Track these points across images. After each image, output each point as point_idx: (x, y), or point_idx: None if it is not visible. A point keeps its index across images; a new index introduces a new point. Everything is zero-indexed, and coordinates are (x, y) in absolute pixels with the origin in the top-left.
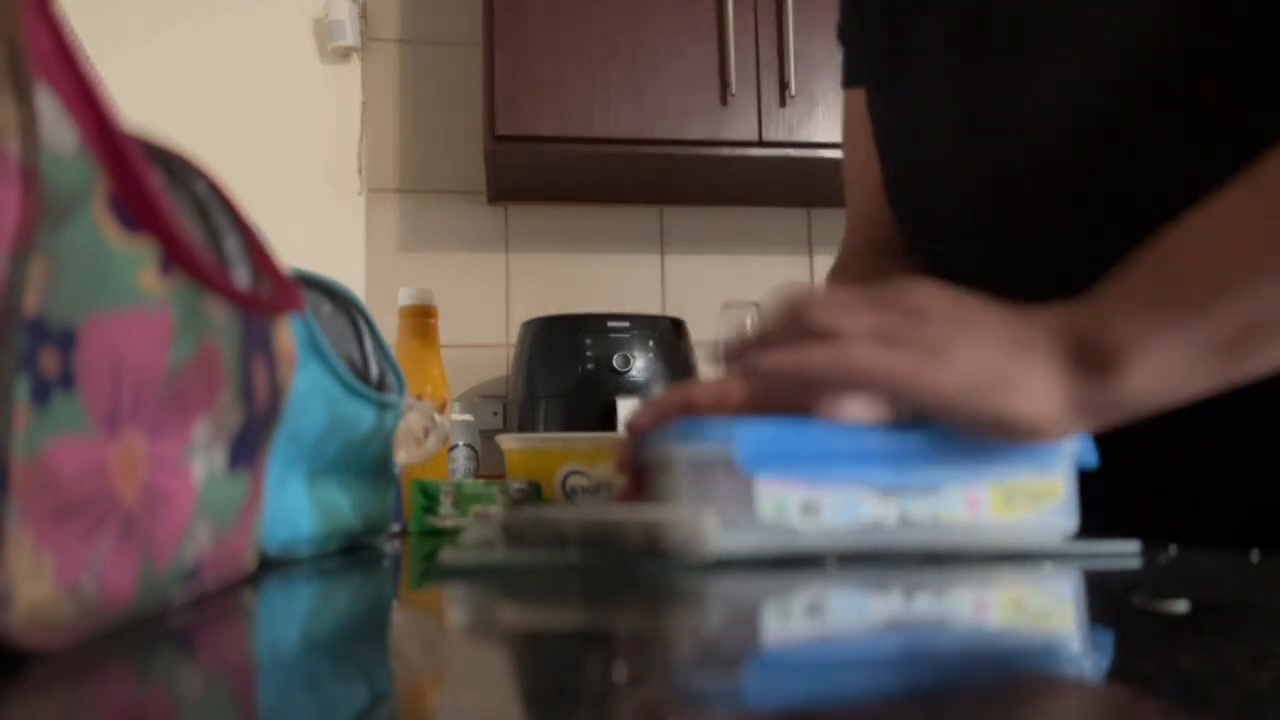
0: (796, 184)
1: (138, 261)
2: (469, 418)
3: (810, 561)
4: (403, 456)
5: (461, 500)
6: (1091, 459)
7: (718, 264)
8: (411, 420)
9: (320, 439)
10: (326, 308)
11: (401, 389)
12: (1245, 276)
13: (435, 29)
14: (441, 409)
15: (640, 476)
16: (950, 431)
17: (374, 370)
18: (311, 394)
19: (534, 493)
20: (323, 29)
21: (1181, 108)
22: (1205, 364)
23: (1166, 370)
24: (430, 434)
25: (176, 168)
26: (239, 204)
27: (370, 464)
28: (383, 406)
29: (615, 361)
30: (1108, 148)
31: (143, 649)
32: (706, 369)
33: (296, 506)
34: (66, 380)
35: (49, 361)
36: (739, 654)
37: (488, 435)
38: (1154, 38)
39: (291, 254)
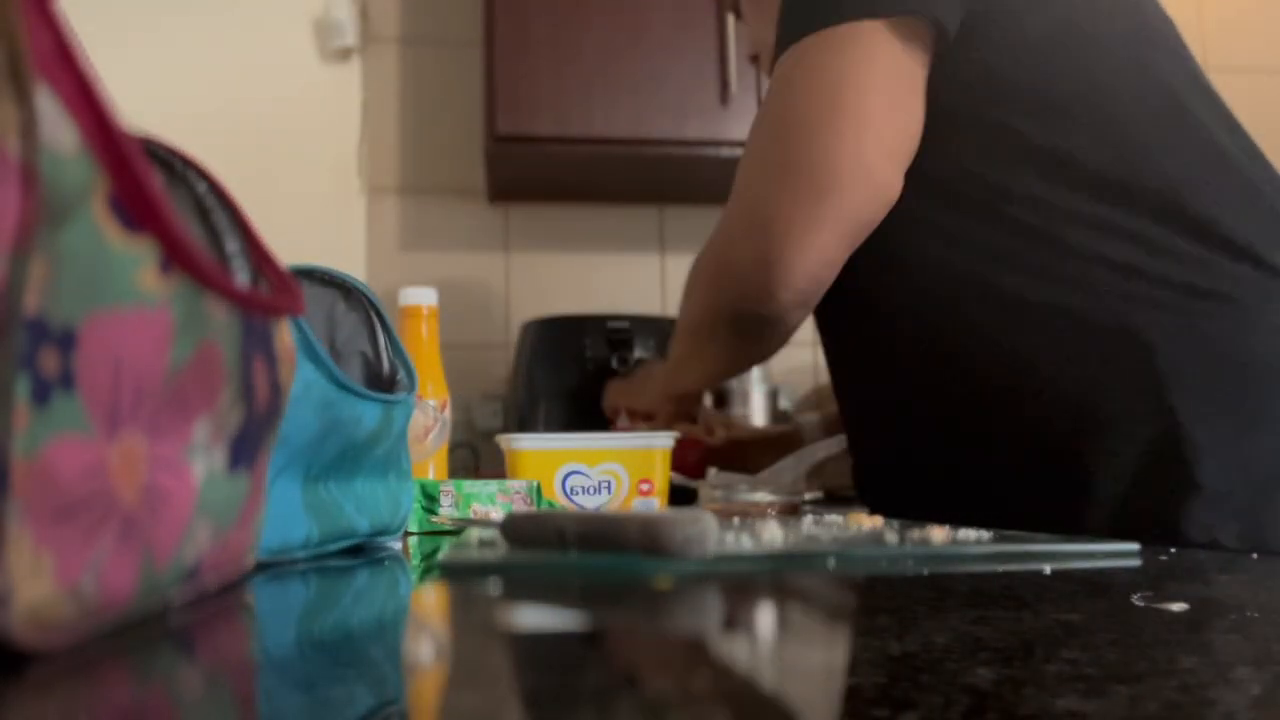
0: None
1: (138, 261)
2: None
3: (810, 561)
4: None
5: (461, 500)
6: None
7: None
8: (413, 420)
9: (315, 442)
10: (340, 304)
11: (413, 385)
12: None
13: (435, 29)
14: (442, 409)
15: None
16: None
17: (386, 367)
18: (302, 398)
19: (534, 493)
20: (323, 29)
21: None
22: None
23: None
24: (431, 434)
25: (177, 168)
26: (239, 204)
27: (378, 463)
28: (388, 404)
29: (615, 362)
30: None
31: (143, 649)
32: None
33: (288, 512)
34: (66, 380)
35: (49, 361)
36: (737, 654)
37: (488, 435)
38: None
39: (292, 253)
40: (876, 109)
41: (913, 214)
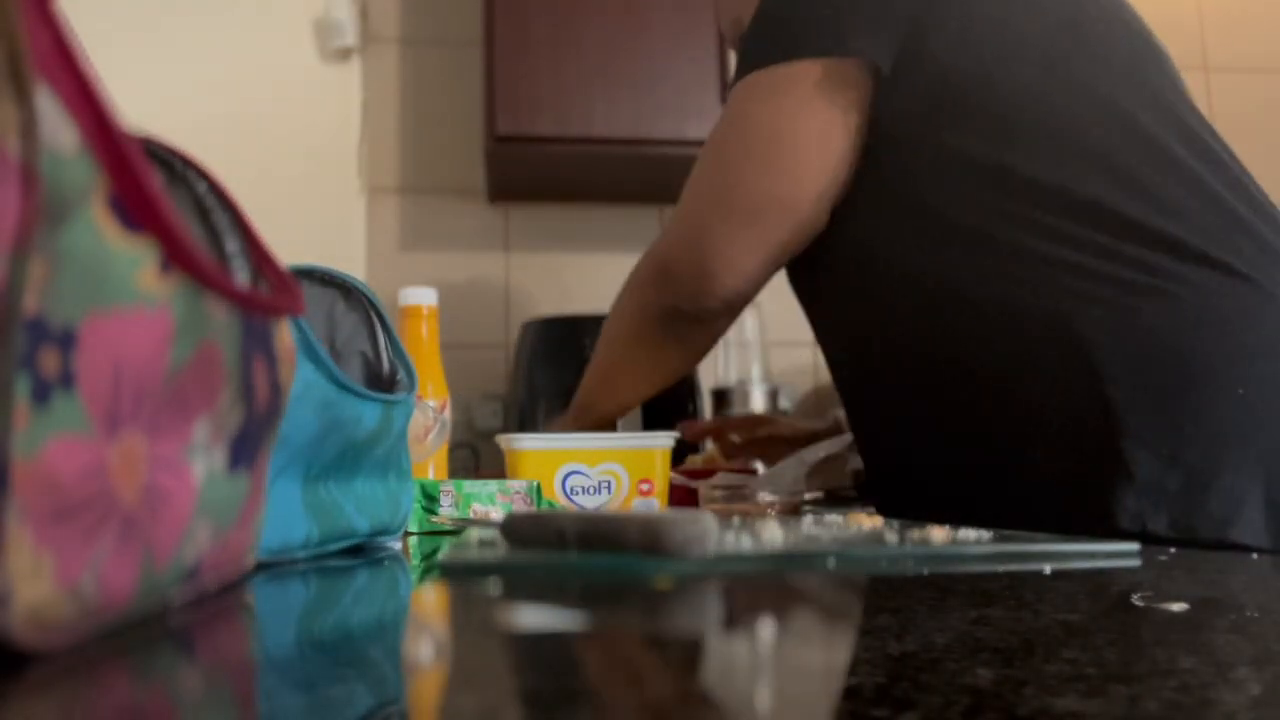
0: None
1: (138, 261)
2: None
3: (810, 561)
4: None
5: (461, 500)
6: None
7: None
8: (413, 420)
9: (314, 442)
10: (340, 304)
11: (412, 385)
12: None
13: (435, 29)
14: (441, 409)
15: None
16: None
17: (386, 367)
18: (302, 398)
19: (534, 493)
20: (323, 29)
21: None
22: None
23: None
24: (431, 434)
25: (177, 168)
26: (239, 204)
27: (378, 463)
28: (388, 404)
29: None
30: None
31: (143, 649)
32: (703, 370)
33: (288, 512)
34: (66, 380)
35: (49, 361)
36: (737, 654)
37: (488, 435)
38: None
39: (292, 254)
40: (806, 151)
41: (877, 228)
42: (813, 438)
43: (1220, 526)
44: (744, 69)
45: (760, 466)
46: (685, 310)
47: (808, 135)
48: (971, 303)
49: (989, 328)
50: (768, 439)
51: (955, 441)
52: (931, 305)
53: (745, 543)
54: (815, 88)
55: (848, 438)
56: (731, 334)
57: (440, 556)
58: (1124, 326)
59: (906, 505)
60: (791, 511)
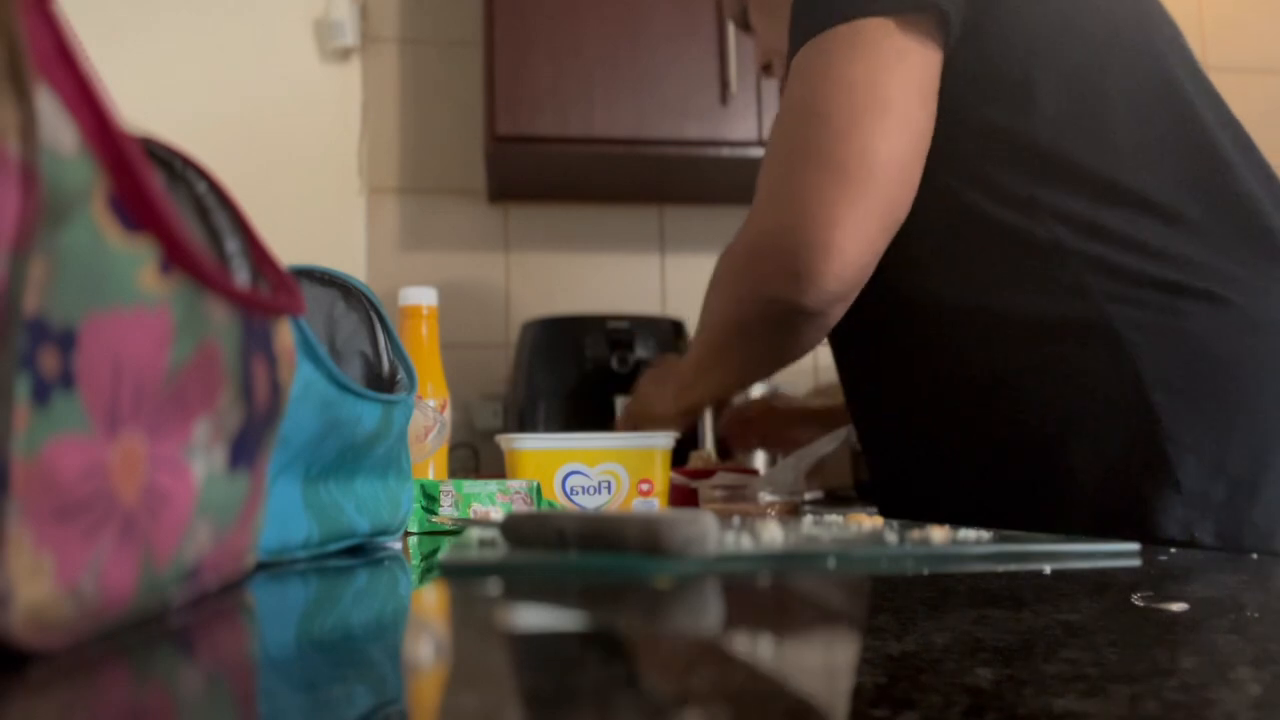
0: None
1: (138, 261)
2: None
3: (810, 561)
4: None
5: (461, 500)
6: None
7: None
8: (413, 420)
9: (315, 442)
10: (340, 304)
11: (412, 385)
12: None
13: (435, 29)
14: (441, 409)
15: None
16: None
17: (386, 367)
18: (302, 398)
19: (534, 493)
20: (323, 29)
21: None
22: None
23: (692, 391)
24: (431, 434)
25: (177, 168)
26: (239, 204)
27: (378, 463)
28: (388, 404)
29: (614, 362)
30: None
31: (143, 649)
32: None
33: (288, 512)
34: (66, 380)
35: (49, 361)
36: (737, 654)
37: (488, 435)
38: None
39: (292, 254)
40: (910, 106)
41: (910, 221)
42: (811, 415)
43: (1265, 538)
44: (810, 30)
45: (761, 467)
46: (794, 302)
47: (905, 87)
48: (1008, 307)
49: (1027, 332)
50: (769, 412)
51: (987, 446)
52: (966, 309)
53: (745, 543)
54: (901, 39)
55: (842, 433)
56: None
57: (440, 556)
58: (1169, 330)
59: (927, 514)
60: (791, 511)
